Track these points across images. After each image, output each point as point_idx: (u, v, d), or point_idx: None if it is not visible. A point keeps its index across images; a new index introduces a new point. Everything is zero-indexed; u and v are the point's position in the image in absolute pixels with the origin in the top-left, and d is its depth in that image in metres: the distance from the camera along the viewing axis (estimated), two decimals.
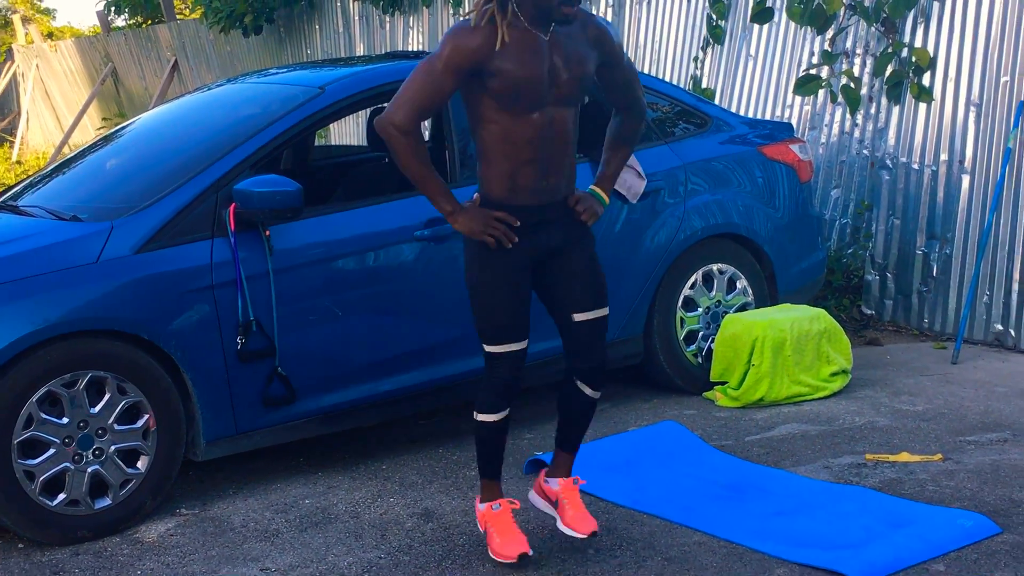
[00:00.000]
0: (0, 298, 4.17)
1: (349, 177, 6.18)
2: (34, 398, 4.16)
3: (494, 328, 3.80)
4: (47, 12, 40.79)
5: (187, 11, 19.66)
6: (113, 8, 20.05)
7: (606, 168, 4.02)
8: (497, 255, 3.72)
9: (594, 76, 3.80)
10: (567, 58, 3.65)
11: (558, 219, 3.81)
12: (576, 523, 3.92)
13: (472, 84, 3.63)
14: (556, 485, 4.04)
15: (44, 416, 4.20)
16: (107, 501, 4.36)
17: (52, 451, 4.23)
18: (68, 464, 4.26)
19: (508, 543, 3.83)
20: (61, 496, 4.26)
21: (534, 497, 4.15)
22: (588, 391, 3.99)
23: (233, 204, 4.56)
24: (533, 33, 3.60)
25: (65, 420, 4.24)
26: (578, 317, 3.89)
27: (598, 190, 3.97)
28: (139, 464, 4.41)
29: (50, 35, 27.60)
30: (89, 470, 4.30)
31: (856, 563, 3.81)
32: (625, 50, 3.97)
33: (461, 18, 3.60)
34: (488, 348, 3.85)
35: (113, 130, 5.92)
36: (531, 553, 3.82)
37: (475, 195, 3.80)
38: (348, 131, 11.79)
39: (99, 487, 4.35)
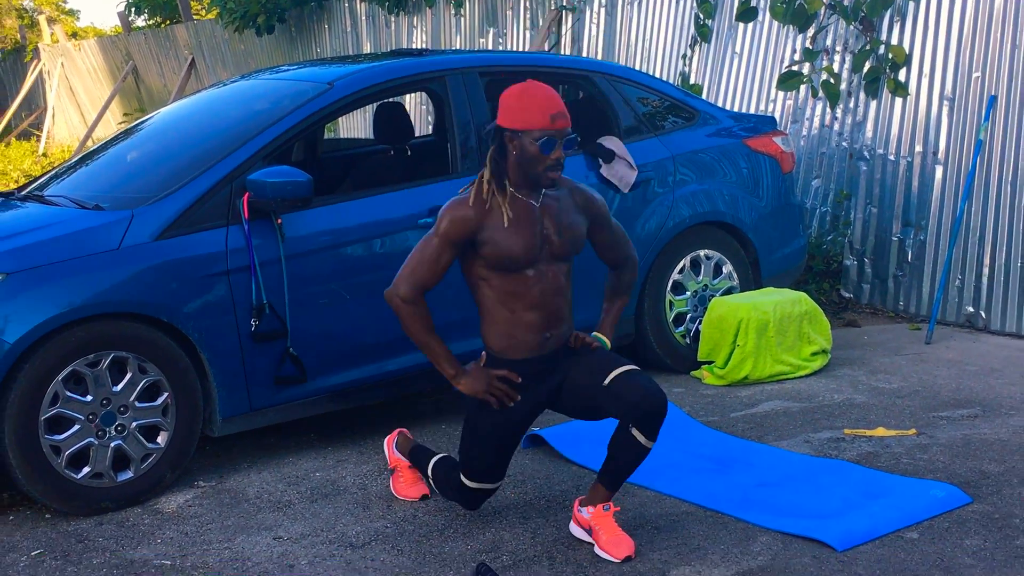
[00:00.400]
0: (28, 282, 4.17)
1: (357, 168, 6.17)
2: (60, 377, 4.16)
3: (477, 468, 3.86)
4: (71, 13, 40.65)
5: (203, 12, 19.60)
6: (133, 9, 20.00)
7: (606, 316, 4.01)
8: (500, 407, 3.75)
9: (584, 237, 3.81)
10: (558, 224, 3.69)
11: (559, 361, 3.79)
12: (610, 547, 3.73)
13: (467, 251, 3.68)
14: (587, 514, 3.83)
15: (69, 394, 4.20)
16: (129, 474, 4.36)
17: (77, 427, 4.23)
18: (92, 439, 4.26)
19: (410, 484, 4.30)
20: (86, 469, 4.27)
21: (573, 527, 3.94)
22: (644, 440, 3.64)
23: (247, 194, 4.55)
24: (525, 202, 3.65)
25: (89, 398, 4.24)
26: (615, 373, 3.66)
27: (601, 336, 3.93)
28: (159, 439, 4.42)
29: (74, 35, 27.51)
30: (112, 445, 4.30)
31: (835, 531, 3.81)
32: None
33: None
34: (466, 481, 3.89)
35: (133, 124, 5.91)
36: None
37: (482, 354, 3.81)
38: (356, 125, 11.76)
39: (121, 461, 4.35)
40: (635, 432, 3.60)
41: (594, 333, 3.93)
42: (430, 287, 3.69)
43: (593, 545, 3.81)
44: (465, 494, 3.94)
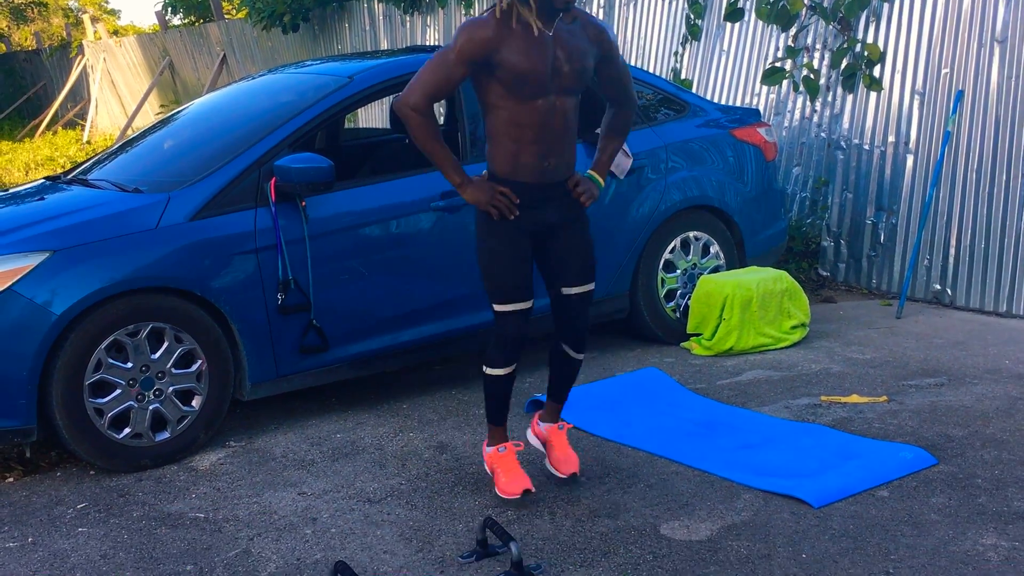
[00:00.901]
0: (73, 259, 4.17)
1: (374, 155, 6.16)
2: (102, 346, 4.18)
3: (500, 289, 3.70)
4: (113, 12, 40.62)
5: (234, 11, 19.53)
6: (170, 8, 19.98)
7: (601, 154, 3.91)
8: (502, 225, 3.66)
9: (592, 70, 3.71)
10: (569, 52, 3.57)
11: (556, 198, 3.72)
12: (559, 464, 3.96)
13: (482, 73, 3.56)
14: (543, 428, 4.06)
15: (111, 361, 4.21)
16: (166, 434, 4.37)
17: (118, 391, 4.24)
18: (132, 403, 4.28)
19: (512, 481, 3.78)
20: (126, 430, 4.28)
21: (530, 435, 4.13)
22: (573, 354, 3.94)
23: (274, 178, 4.55)
24: (538, 27, 3.53)
25: (129, 365, 4.25)
26: (567, 291, 3.82)
27: (595, 174, 3.87)
28: (193, 403, 4.43)
29: (115, 32, 27.45)
30: (150, 408, 4.32)
31: (812, 489, 3.82)
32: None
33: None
34: (496, 307, 3.74)
35: (169, 115, 5.90)
36: (533, 490, 3.79)
37: (484, 172, 3.74)
38: (374, 115, 11.73)
39: (159, 422, 4.37)
40: (566, 347, 3.92)
41: (588, 172, 3.85)
42: (439, 99, 3.60)
43: (544, 458, 4.04)
44: (499, 333, 3.75)
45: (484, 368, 3.82)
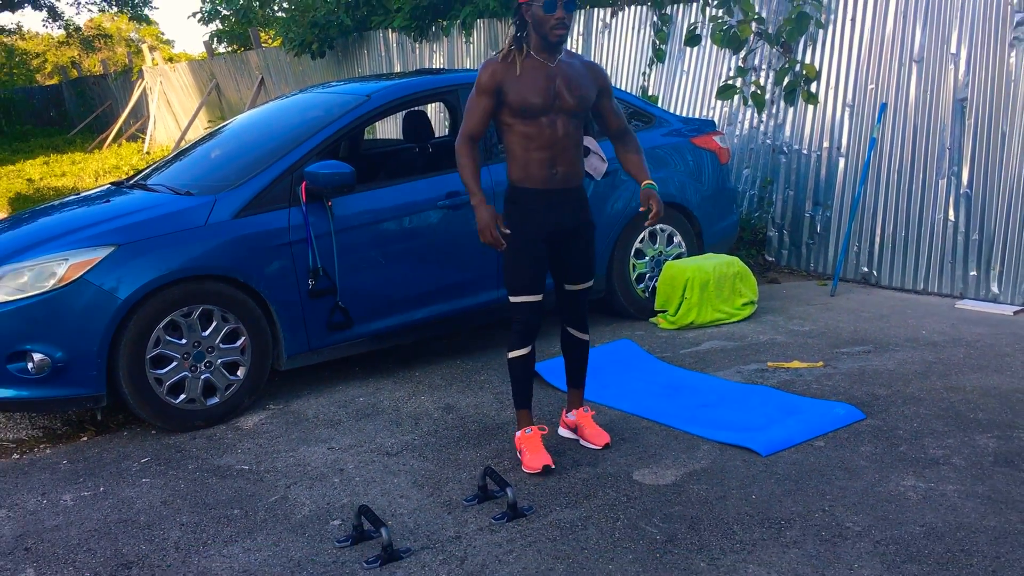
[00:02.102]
0: (135, 252, 4.15)
1: (390, 162, 6.12)
2: (160, 325, 4.16)
3: (517, 282, 3.65)
4: (168, 42, 40.39)
5: (271, 40, 19.43)
6: (216, 39, 19.87)
7: (639, 170, 3.77)
8: (524, 228, 3.63)
9: (592, 99, 3.69)
10: (569, 81, 3.60)
11: (570, 203, 3.69)
12: (593, 438, 3.89)
13: (497, 102, 3.60)
14: (573, 416, 3.98)
15: (168, 338, 4.19)
16: (215, 400, 4.36)
17: (174, 363, 4.23)
18: (186, 373, 4.26)
19: (535, 457, 3.67)
20: (182, 396, 4.27)
21: (561, 430, 4.04)
22: (579, 334, 3.90)
23: (304, 182, 4.52)
24: (543, 63, 3.58)
25: (183, 341, 4.23)
26: (570, 288, 3.83)
27: (650, 183, 3.73)
28: (238, 372, 4.41)
29: (170, 59, 27.29)
30: (202, 377, 4.30)
31: (760, 440, 3.82)
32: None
33: (490, 54, 3.61)
34: (512, 298, 3.68)
35: (216, 129, 5.86)
36: (553, 465, 3.68)
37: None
38: (389, 128, 11.67)
39: (209, 389, 4.35)
40: (572, 330, 3.90)
41: (644, 184, 3.72)
42: (481, 134, 3.62)
43: (579, 440, 3.93)
44: (517, 320, 3.69)
45: (507, 354, 3.74)
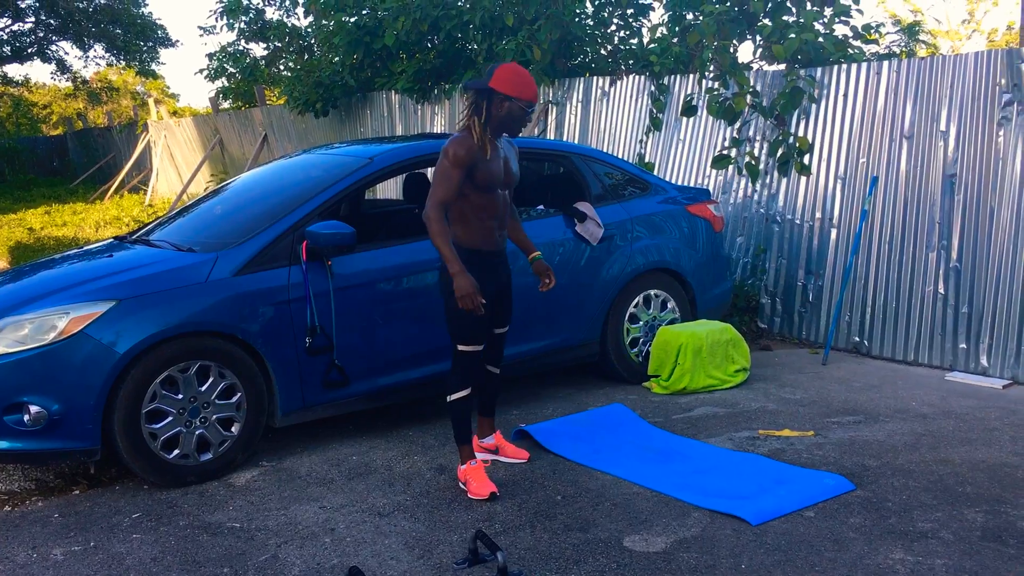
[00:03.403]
0: (135, 307, 4.17)
1: (390, 222, 6.18)
2: (158, 380, 4.17)
3: (467, 334, 4.06)
4: (173, 96, 40.83)
5: (275, 98, 19.67)
6: (221, 95, 20.11)
7: (526, 241, 4.40)
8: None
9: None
10: (509, 161, 4.12)
11: (504, 262, 4.21)
12: (514, 454, 4.45)
13: (465, 175, 3.99)
14: (491, 439, 4.49)
15: (164, 392, 4.20)
16: (209, 455, 4.35)
17: (170, 418, 4.23)
18: (181, 428, 4.26)
19: (482, 486, 4.06)
20: (176, 451, 4.26)
21: (479, 455, 4.44)
22: (494, 369, 4.42)
23: (305, 241, 4.57)
24: (495, 142, 4.03)
25: (180, 396, 4.24)
26: (498, 331, 4.34)
27: (537, 254, 4.35)
28: (233, 428, 4.41)
29: (175, 113, 27.60)
30: (196, 432, 4.30)
31: (751, 509, 3.81)
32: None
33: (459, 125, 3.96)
34: (461, 347, 4.08)
35: (218, 186, 5.92)
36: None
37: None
38: (390, 189, 11.78)
39: (203, 445, 4.35)
40: (490, 367, 4.40)
41: (532, 255, 4.34)
42: (450, 203, 3.94)
43: (498, 457, 4.43)
44: (463, 366, 4.09)
45: (449, 397, 4.11)
